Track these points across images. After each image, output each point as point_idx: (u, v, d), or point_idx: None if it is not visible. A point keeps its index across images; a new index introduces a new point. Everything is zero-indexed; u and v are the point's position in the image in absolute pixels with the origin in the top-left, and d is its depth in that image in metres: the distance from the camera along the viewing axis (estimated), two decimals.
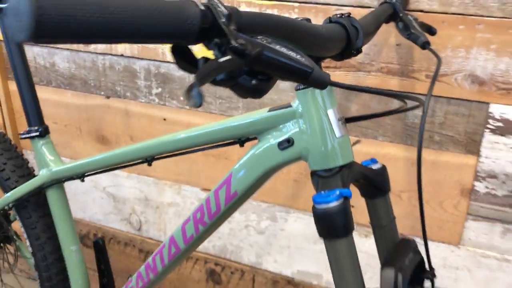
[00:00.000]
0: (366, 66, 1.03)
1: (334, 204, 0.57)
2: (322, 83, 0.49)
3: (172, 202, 1.39)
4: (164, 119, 1.30)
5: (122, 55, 1.27)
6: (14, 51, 0.97)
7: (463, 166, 1.02)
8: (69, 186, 1.25)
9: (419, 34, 0.78)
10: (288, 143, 0.65)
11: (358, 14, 0.97)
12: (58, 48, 1.35)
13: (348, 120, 0.67)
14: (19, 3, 0.33)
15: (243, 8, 1.09)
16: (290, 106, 0.65)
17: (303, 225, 1.24)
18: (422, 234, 0.66)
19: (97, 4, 0.36)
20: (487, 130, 0.98)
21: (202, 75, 0.40)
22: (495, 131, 0.97)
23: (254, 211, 1.30)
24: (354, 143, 1.11)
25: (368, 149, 1.09)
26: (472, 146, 0.99)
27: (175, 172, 1.34)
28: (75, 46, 1.31)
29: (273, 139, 0.67)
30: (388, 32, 0.98)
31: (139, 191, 1.42)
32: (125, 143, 1.37)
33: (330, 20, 0.64)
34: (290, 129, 0.65)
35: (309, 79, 0.48)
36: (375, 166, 0.69)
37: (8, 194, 1.03)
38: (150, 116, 1.30)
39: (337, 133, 0.62)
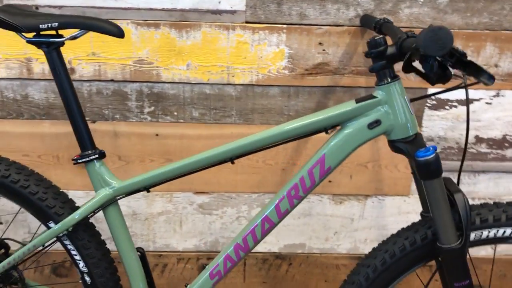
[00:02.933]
0: (341, 70, 1.36)
1: (432, 155, 0.87)
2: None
3: (163, 210, 1.51)
4: (157, 135, 1.42)
5: (112, 80, 1.35)
6: (66, 85, 1.03)
7: None
8: None
9: None
10: (376, 123, 0.93)
11: (334, 32, 1.30)
12: (32, 79, 1.35)
13: (412, 100, 0.98)
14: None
15: (237, 31, 1.31)
16: (375, 97, 0.94)
17: None
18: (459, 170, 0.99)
19: None
20: (426, 107, 1.40)
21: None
22: (431, 107, 1.40)
23: (245, 203, 1.51)
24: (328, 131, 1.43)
25: None
26: (417, 120, 1.40)
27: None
28: None
29: (361, 123, 0.94)
30: (357, 43, 1.33)
31: (126, 207, 1.49)
32: (112, 163, 1.44)
33: (407, 36, 0.92)
34: (376, 113, 0.93)
35: None
36: None
37: (69, 217, 1.06)
38: (142, 133, 1.41)
39: (412, 111, 0.93)
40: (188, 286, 1.12)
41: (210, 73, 1.36)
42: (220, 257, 1.08)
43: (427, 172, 0.88)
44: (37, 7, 1.28)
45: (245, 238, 1.05)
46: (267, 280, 1.61)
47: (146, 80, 1.36)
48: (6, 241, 1.25)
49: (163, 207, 1.51)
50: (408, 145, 0.93)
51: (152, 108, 1.39)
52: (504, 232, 0.95)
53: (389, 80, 0.93)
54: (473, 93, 1.39)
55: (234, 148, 1.02)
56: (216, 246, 1.57)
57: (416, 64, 0.80)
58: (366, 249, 1.57)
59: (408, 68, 0.78)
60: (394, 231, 1.28)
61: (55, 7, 1.28)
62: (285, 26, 1.32)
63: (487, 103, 1.40)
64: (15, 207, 1.22)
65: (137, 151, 1.44)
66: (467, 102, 0.92)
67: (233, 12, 1.30)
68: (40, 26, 0.97)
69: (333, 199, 1.52)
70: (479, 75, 0.70)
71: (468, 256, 0.93)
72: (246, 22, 1.31)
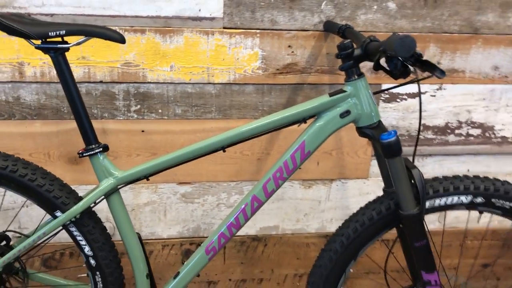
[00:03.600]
0: (308, 69, 1.54)
1: (394, 138, 1.06)
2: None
3: (149, 201, 1.64)
4: (143, 131, 1.54)
5: (101, 82, 1.47)
6: (71, 86, 1.14)
7: None
8: None
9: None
10: (347, 113, 1.12)
11: (302, 36, 1.48)
12: (24, 82, 1.44)
13: (374, 93, 1.16)
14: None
15: (216, 36, 1.46)
16: (344, 91, 1.12)
17: None
18: (414, 151, 1.19)
19: None
20: (381, 101, 1.61)
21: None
22: (385, 100, 1.61)
23: (224, 191, 1.66)
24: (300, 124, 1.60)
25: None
26: None
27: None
28: (46, 77, 1.44)
29: (334, 113, 1.12)
30: (321, 46, 1.52)
31: None
32: None
33: (370, 40, 1.10)
34: (346, 104, 1.12)
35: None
36: None
37: (77, 205, 1.17)
38: (129, 130, 1.53)
39: (375, 102, 1.12)
40: (186, 262, 1.27)
41: (191, 73, 1.50)
42: (215, 235, 1.23)
43: (390, 151, 1.07)
44: (29, 14, 1.38)
45: (236, 216, 1.21)
46: (245, 261, 1.78)
47: (133, 81, 1.48)
48: (7, 233, 1.34)
49: (148, 197, 1.63)
50: (373, 130, 1.12)
51: (138, 106, 1.52)
52: (452, 200, 1.16)
53: (356, 77, 1.11)
54: (421, 88, 1.61)
55: (226, 138, 1.17)
56: (198, 232, 1.71)
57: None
58: (332, 227, 1.77)
59: (377, 67, 0.97)
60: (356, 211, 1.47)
61: (46, 15, 1.38)
62: (258, 31, 1.48)
63: (431, 95, 1.63)
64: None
65: (125, 146, 1.55)
66: (419, 94, 1.12)
67: (212, 19, 1.45)
68: (50, 33, 1.08)
69: (302, 184, 1.70)
70: (434, 70, 0.90)
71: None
72: (224, 28, 1.46)
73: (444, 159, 1.72)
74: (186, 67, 1.49)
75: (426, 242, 1.13)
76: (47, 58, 1.42)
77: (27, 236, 1.33)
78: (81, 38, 1.12)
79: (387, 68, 0.94)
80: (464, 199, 1.16)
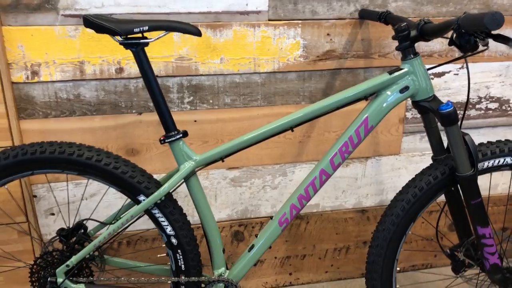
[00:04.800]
0: (344, 55, 1.66)
1: (452, 108, 1.19)
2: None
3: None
4: (195, 121, 1.64)
5: (157, 76, 1.55)
6: (151, 78, 1.23)
7: (399, 105, 1.76)
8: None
9: None
10: (406, 89, 1.25)
11: (339, 24, 1.61)
12: (84, 80, 1.52)
13: (428, 69, 1.29)
14: None
15: (261, 28, 1.57)
16: (402, 68, 1.25)
17: (306, 171, 1.79)
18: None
19: None
20: None
21: None
22: None
23: (269, 173, 1.78)
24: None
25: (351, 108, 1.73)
26: None
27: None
28: (105, 75, 1.52)
29: (394, 89, 1.25)
30: (357, 33, 1.64)
31: None
32: (156, 149, 1.64)
33: (425, 22, 1.23)
34: (405, 81, 1.25)
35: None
36: None
37: (162, 188, 1.26)
38: (182, 121, 1.62)
39: (429, 78, 1.25)
40: (259, 235, 1.37)
41: (239, 64, 1.60)
42: (286, 207, 1.34)
43: (449, 120, 1.21)
44: (110, 15, 1.46)
45: (306, 189, 1.33)
46: (289, 239, 1.89)
47: (186, 74, 1.58)
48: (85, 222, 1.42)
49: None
50: (430, 103, 1.25)
51: (191, 98, 1.61)
52: (499, 161, 1.31)
53: (412, 56, 1.25)
54: (444, 67, 1.76)
55: (294, 119, 1.29)
56: (246, 213, 1.82)
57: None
58: (368, 202, 1.90)
59: (451, 43, 1.10)
60: (389, 185, 1.59)
61: (106, 15, 1.47)
62: (300, 21, 1.60)
63: (454, 74, 1.78)
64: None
65: None
66: (468, 70, 1.25)
67: (258, 12, 1.56)
68: (134, 29, 1.18)
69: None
70: (508, 41, 1.03)
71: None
72: (269, 20, 1.57)
73: (468, 132, 1.88)
74: (235, 58, 1.59)
75: (481, 201, 1.27)
76: (106, 57, 1.50)
77: (105, 224, 1.41)
78: (160, 33, 1.21)
79: (458, 43, 1.07)
80: (509, 160, 1.31)
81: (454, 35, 1.07)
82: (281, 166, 1.78)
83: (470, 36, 1.05)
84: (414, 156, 1.86)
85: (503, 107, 1.86)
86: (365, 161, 1.84)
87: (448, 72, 1.77)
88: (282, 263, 1.93)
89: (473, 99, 1.83)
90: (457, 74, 1.78)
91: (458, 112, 1.22)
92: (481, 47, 1.12)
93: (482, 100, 1.84)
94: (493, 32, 1.03)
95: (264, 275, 1.93)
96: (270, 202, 1.82)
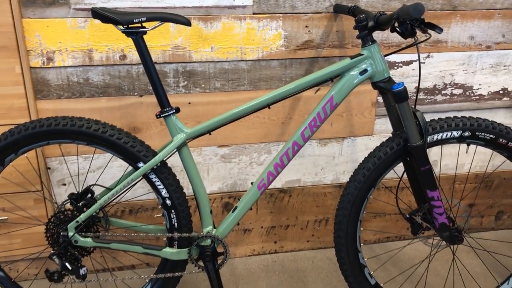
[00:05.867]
0: (321, 45, 1.88)
1: (402, 87, 1.40)
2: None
3: (195, 162, 1.95)
4: (189, 103, 1.87)
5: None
6: (149, 63, 1.46)
7: (371, 90, 1.98)
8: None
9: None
10: (365, 71, 1.46)
11: (316, 17, 1.82)
12: (93, 65, 1.75)
13: (385, 55, 1.50)
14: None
15: (247, 20, 1.79)
16: (362, 54, 1.46)
17: None
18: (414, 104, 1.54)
19: None
20: None
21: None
22: None
23: (255, 151, 2.00)
24: (316, 91, 1.95)
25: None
26: None
27: (196, 140, 1.90)
28: (110, 61, 1.75)
29: (355, 72, 1.47)
30: (332, 25, 1.86)
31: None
32: (155, 128, 1.87)
33: (380, 14, 1.44)
34: (364, 65, 1.46)
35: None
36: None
37: (158, 156, 1.49)
38: (178, 102, 1.85)
39: (385, 62, 1.47)
40: (241, 199, 1.59)
41: (228, 53, 1.82)
42: (264, 173, 1.56)
43: (400, 97, 1.42)
44: (116, 8, 1.68)
45: (281, 158, 1.54)
46: (274, 210, 2.11)
47: (181, 61, 1.80)
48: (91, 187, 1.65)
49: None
50: (385, 83, 1.47)
51: (186, 82, 1.84)
52: (447, 134, 1.52)
53: (370, 43, 1.46)
54: (412, 56, 1.97)
55: (270, 97, 1.50)
56: (235, 187, 2.04)
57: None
58: (345, 178, 2.12)
59: (392, 30, 1.31)
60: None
61: (111, 8, 1.69)
62: (281, 15, 1.82)
63: (421, 62, 1.99)
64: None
65: None
66: (418, 55, 1.46)
67: (244, 6, 1.78)
68: (134, 20, 1.40)
69: (319, 143, 2.04)
70: (435, 28, 1.25)
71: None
72: (253, 14, 1.80)
73: (434, 116, 2.09)
74: (224, 47, 1.81)
75: (429, 167, 1.49)
76: (111, 45, 1.73)
77: (109, 189, 1.64)
78: (156, 23, 1.44)
79: (399, 30, 1.29)
80: (456, 133, 1.52)
81: (396, 24, 1.29)
82: (266, 145, 2.00)
83: (407, 24, 1.26)
84: (386, 137, 2.07)
85: (467, 93, 2.07)
86: (342, 141, 2.05)
87: (416, 61, 1.98)
88: (268, 232, 2.15)
89: (439, 85, 2.04)
90: (424, 63, 1.99)
91: (416, 94, 1.43)
92: (424, 37, 1.34)
93: (447, 86, 2.05)
94: (426, 21, 1.25)
95: (251, 243, 2.16)
96: (256, 176, 2.04)
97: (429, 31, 1.31)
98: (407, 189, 2.09)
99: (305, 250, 2.22)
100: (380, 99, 2.01)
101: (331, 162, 2.09)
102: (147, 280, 1.71)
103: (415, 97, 1.56)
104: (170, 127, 1.52)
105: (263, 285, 1.98)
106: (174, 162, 1.89)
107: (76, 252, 1.57)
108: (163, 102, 1.50)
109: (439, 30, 1.26)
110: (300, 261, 2.15)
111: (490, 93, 2.09)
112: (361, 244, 1.64)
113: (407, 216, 1.66)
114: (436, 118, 1.56)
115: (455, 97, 2.07)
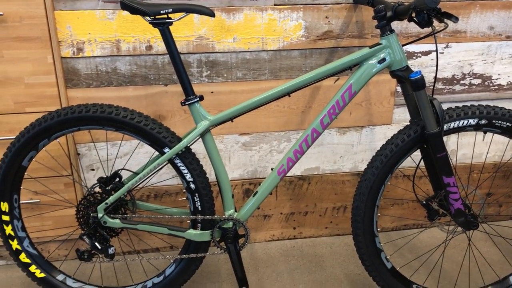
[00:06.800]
0: (341, 35, 1.92)
1: (420, 75, 1.44)
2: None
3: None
4: (212, 92, 1.93)
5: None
6: (175, 52, 1.52)
7: (390, 80, 2.01)
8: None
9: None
10: (383, 60, 1.51)
11: (336, 8, 1.86)
12: (120, 55, 1.82)
13: (403, 45, 1.54)
14: None
15: (268, 11, 1.84)
16: (381, 43, 1.50)
17: None
18: (432, 92, 1.58)
19: None
20: None
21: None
22: None
23: (275, 139, 2.06)
24: (336, 81, 1.99)
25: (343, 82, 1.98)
26: None
27: (219, 128, 1.96)
28: (137, 51, 1.82)
29: (373, 61, 1.51)
30: (352, 16, 1.90)
31: None
32: (180, 116, 1.94)
33: (398, 4, 1.48)
34: (383, 54, 1.50)
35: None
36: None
37: (182, 141, 1.56)
38: (201, 92, 1.91)
39: (403, 51, 1.51)
40: (261, 184, 1.66)
41: (250, 43, 1.88)
42: (284, 159, 1.62)
43: (417, 85, 1.46)
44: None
45: (300, 144, 1.60)
46: (293, 197, 2.17)
47: (204, 51, 1.87)
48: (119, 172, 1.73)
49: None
50: (403, 72, 1.51)
51: (209, 72, 1.90)
52: (464, 122, 1.55)
53: (389, 32, 1.50)
54: (430, 46, 2.00)
55: (291, 85, 1.55)
56: (255, 174, 2.10)
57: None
58: (363, 166, 2.16)
59: (410, 19, 1.35)
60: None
61: None
62: (301, 6, 1.86)
63: (440, 52, 2.02)
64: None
65: None
66: (436, 44, 1.50)
67: None
68: (161, 11, 1.47)
69: (338, 131, 2.09)
70: (451, 17, 1.28)
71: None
72: (275, 5, 1.85)
73: (452, 105, 2.11)
74: (246, 38, 1.87)
75: (445, 154, 1.53)
76: (138, 36, 1.80)
77: (136, 174, 1.71)
78: (181, 14, 1.50)
79: (417, 20, 1.33)
80: (472, 121, 1.55)
81: (413, 14, 1.33)
82: (285, 133, 2.05)
83: (424, 14, 1.30)
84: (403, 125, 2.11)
85: (486, 83, 2.09)
86: (361, 130, 2.10)
87: (434, 51, 2.01)
88: (287, 219, 2.21)
89: (457, 75, 2.06)
90: (442, 53, 2.02)
91: (435, 83, 1.46)
92: (442, 26, 1.38)
93: (466, 76, 2.07)
94: (442, 11, 1.28)
95: (271, 228, 2.22)
96: (276, 164, 2.09)
97: (446, 20, 1.35)
98: (425, 178, 2.13)
99: (324, 237, 2.27)
100: (399, 88, 2.05)
101: (349, 151, 2.13)
102: (171, 261, 1.79)
103: (433, 85, 1.59)
104: (194, 114, 1.59)
105: (282, 269, 2.04)
106: (197, 149, 1.96)
107: (105, 233, 1.66)
108: (187, 90, 1.57)
109: (455, 19, 1.29)
110: (319, 246, 2.21)
111: (509, 83, 2.11)
112: (378, 229, 1.69)
113: (424, 202, 1.70)
114: (453, 107, 1.59)
115: (474, 87, 2.09)
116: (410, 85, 1.47)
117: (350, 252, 2.15)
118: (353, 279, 1.97)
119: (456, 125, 1.56)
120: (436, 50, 1.50)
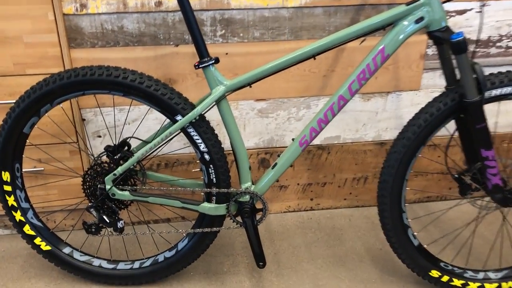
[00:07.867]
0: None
1: (462, 37, 1.29)
2: None
3: None
4: (226, 53, 1.78)
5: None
6: (188, 10, 1.37)
7: (420, 42, 1.85)
8: None
9: None
10: (421, 19, 1.34)
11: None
12: (127, 12, 1.67)
13: (443, 2, 1.38)
14: None
15: None
16: (419, 0, 1.34)
17: None
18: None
19: None
20: None
21: None
22: None
23: (294, 106, 1.91)
24: (362, 42, 1.83)
25: (372, 43, 1.81)
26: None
27: (233, 93, 1.83)
28: (146, 8, 1.66)
29: (410, 20, 1.35)
30: None
31: None
32: (191, 79, 1.80)
33: None
34: (420, 12, 1.34)
35: None
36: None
37: (196, 109, 1.42)
38: (215, 53, 1.76)
39: (444, 10, 1.34)
40: (281, 155, 1.53)
41: None
42: (306, 129, 1.49)
43: (459, 48, 1.31)
44: None
45: (325, 113, 1.46)
46: (311, 167, 2.05)
47: (219, 8, 1.70)
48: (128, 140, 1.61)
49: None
50: (443, 33, 1.35)
51: (223, 31, 1.75)
52: (506, 90, 1.40)
53: None
54: (466, 4, 1.82)
55: (316, 47, 1.40)
56: (272, 143, 1.97)
57: None
58: (387, 136, 2.03)
59: None
60: (408, 120, 1.70)
61: None
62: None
63: (476, 11, 1.84)
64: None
65: None
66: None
67: None
68: None
69: (362, 97, 1.94)
70: None
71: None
72: None
73: (486, 70, 1.95)
74: None
75: (485, 125, 1.38)
76: None
77: (146, 142, 1.59)
78: None
79: None
80: None
81: None
82: (305, 99, 1.91)
83: None
84: (434, 92, 1.96)
85: None
86: (386, 96, 1.95)
87: (470, 10, 1.83)
88: (304, 189, 2.10)
89: (493, 37, 1.89)
90: (480, 12, 1.84)
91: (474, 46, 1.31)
92: None
93: (503, 38, 1.90)
94: None
95: (287, 199, 2.11)
96: (294, 133, 1.96)
97: None
98: (452, 148, 1.99)
99: (342, 208, 2.16)
100: (429, 51, 1.88)
101: (373, 118, 1.99)
102: (184, 235, 1.68)
103: (474, 48, 1.43)
104: (209, 79, 1.45)
105: (299, 242, 1.94)
106: (210, 116, 1.82)
107: (113, 205, 1.55)
108: (202, 52, 1.42)
109: None
110: (337, 219, 2.10)
111: None
112: (406, 204, 1.57)
113: (456, 176, 1.57)
114: (495, 72, 1.44)
115: (511, 50, 1.92)
116: (451, 47, 1.32)
117: (370, 226, 2.04)
118: (374, 254, 1.86)
119: (498, 93, 1.41)
120: (481, 7, 1.34)
